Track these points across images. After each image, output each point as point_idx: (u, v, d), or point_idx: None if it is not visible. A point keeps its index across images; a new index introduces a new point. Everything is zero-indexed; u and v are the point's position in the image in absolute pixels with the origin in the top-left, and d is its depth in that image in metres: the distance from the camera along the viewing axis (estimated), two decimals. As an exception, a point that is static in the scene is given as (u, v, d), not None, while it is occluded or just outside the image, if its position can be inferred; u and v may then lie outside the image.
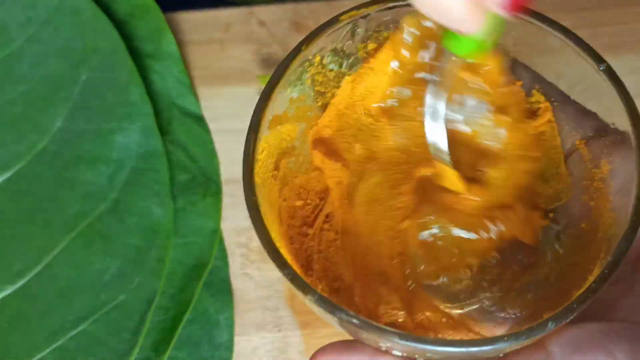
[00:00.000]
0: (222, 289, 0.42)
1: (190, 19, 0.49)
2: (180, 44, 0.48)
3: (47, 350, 0.39)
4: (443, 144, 0.32)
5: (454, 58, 0.31)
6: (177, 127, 0.45)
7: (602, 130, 0.31)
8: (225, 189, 0.44)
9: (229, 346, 0.41)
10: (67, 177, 0.42)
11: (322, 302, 0.27)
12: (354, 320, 0.27)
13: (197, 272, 0.41)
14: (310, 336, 0.40)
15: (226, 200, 0.44)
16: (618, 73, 0.47)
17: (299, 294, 0.28)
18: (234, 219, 0.44)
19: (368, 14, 0.33)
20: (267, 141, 0.32)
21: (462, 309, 0.32)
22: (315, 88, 0.35)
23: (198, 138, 0.45)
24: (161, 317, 0.40)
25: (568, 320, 0.27)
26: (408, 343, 0.26)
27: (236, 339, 0.41)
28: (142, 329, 0.39)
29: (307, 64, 0.33)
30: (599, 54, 0.31)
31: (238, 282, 0.42)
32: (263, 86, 0.46)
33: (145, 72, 0.46)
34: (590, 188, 0.32)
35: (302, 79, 0.33)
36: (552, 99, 0.34)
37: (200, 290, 0.41)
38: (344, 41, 0.34)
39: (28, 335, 0.39)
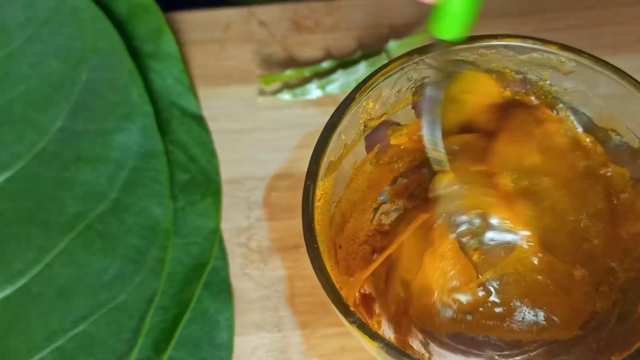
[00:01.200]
0: (222, 289, 0.42)
1: (190, 19, 0.49)
2: (180, 44, 0.48)
3: (47, 351, 0.39)
4: (440, 142, 0.32)
5: (443, 46, 0.30)
6: (177, 127, 0.45)
7: None
8: (225, 189, 0.44)
9: (229, 346, 0.41)
10: (67, 177, 0.42)
11: (390, 349, 0.28)
12: None
13: (197, 272, 0.41)
14: (310, 336, 0.40)
15: (226, 200, 0.44)
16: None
17: (364, 342, 0.29)
18: (234, 219, 0.44)
19: (420, 59, 0.33)
20: (324, 189, 0.33)
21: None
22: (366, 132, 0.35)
23: (198, 138, 0.45)
24: (161, 317, 0.40)
25: None
26: None
27: (236, 339, 0.41)
28: (142, 329, 0.39)
29: (360, 110, 0.33)
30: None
31: (238, 282, 0.42)
32: (263, 86, 0.47)
33: (145, 72, 0.46)
34: None
35: (356, 125, 0.34)
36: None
37: (200, 290, 0.41)
38: (398, 87, 0.34)
39: (28, 335, 0.39)
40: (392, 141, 0.36)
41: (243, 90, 0.47)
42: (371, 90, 0.33)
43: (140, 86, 0.44)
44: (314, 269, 0.30)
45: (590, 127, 0.35)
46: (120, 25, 0.46)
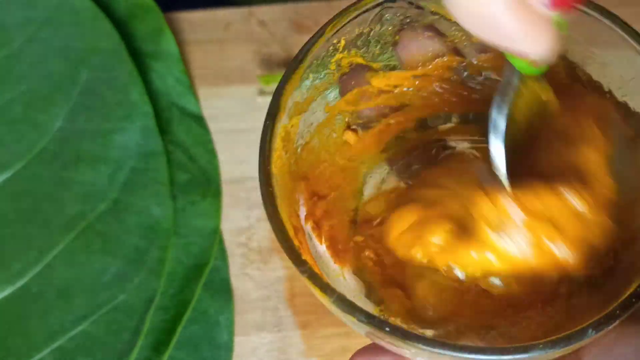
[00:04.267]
0: (222, 289, 0.42)
1: (190, 19, 0.49)
2: (180, 44, 0.48)
3: (47, 351, 0.39)
4: (501, 161, 0.29)
5: (518, 73, 0.28)
6: (177, 127, 0.45)
7: None
8: (225, 189, 0.44)
9: (229, 346, 0.41)
10: (67, 177, 0.42)
11: (341, 302, 0.26)
12: (376, 325, 0.25)
13: (197, 272, 0.41)
14: (310, 336, 0.40)
15: (226, 200, 0.44)
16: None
17: (315, 292, 0.27)
18: (234, 219, 0.44)
19: None
20: (286, 130, 0.30)
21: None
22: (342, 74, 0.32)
23: (198, 138, 0.45)
24: (161, 317, 0.40)
25: (610, 328, 0.24)
26: (435, 349, 0.24)
27: (236, 339, 0.41)
28: (142, 329, 0.39)
29: (331, 48, 0.31)
30: None
31: (238, 282, 0.42)
32: (263, 86, 0.47)
33: (145, 72, 0.46)
34: None
35: (327, 65, 0.31)
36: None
37: (200, 290, 0.41)
38: (372, 26, 0.31)
39: (28, 335, 0.39)
40: (374, 82, 0.33)
41: (243, 90, 0.47)
42: (343, 26, 0.30)
43: (140, 86, 0.44)
44: (267, 213, 0.27)
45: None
46: (121, 26, 0.46)
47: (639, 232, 0.29)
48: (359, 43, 0.31)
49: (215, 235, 0.42)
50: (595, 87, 0.31)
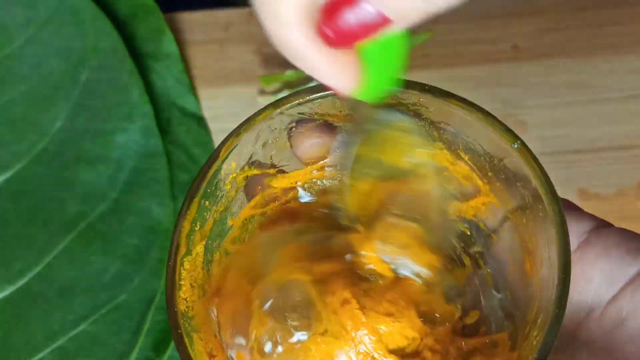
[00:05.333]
0: (222, 289, 0.42)
1: (190, 19, 0.49)
2: (180, 44, 0.48)
3: (47, 350, 0.39)
4: (346, 196, 0.30)
5: (361, 104, 0.27)
6: (177, 127, 0.45)
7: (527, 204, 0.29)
8: (225, 189, 0.44)
9: (229, 346, 0.41)
10: (67, 177, 0.42)
11: None
12: None
13: (197, 272, 0.41)
14: (310, 336, 0.40)
15: (226, 200, 0.44)
16: (618, 73, 0.47)
17: None
18: (234, 219, 0.44)
19: (282, 113, 0.31)
20: (191, 261, 0.30)
21: None
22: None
23: (198, 138, 0.45)
24: (161, 317, 0.40)
25: None
26: None
27: (236, 339, 0.41)
28: (142, 329, 0.39)
29: (223, 173, 0.31)
30: (513, 132, 0.28)
31: (238, 282, 0.42)
32: (263, 86, 0.47)
33: (145, 72, 0.46)
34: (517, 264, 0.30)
35: (221, 188, 0.32)
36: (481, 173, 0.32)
37: (200, 290, 0.41)
38: (260, 141, 0.32)
39: (28, 335, 0.39)
40: (275, 184, 0.34)
41: (243, 90, 0.47)
42: (230, 152, 0.31)
43: (141, 86, 0.44)
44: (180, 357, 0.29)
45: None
46: (121, 26, 0.46)
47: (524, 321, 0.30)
48: (251, 160, 0.32)
49: (215, 235, 0.42)
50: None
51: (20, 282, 0.40)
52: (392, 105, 0.30)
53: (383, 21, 0.22)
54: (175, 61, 0.47)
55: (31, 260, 0.40)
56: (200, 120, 0.46)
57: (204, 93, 0.47)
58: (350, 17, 0.22)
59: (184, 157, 0.44)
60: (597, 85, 0.46)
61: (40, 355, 0.38)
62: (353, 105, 0.29)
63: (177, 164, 0.44)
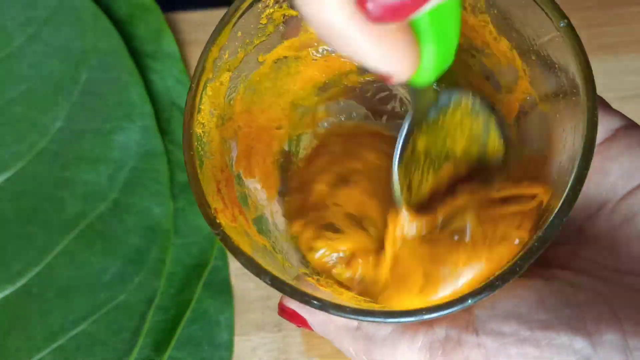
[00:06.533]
0: (222, 289, 0.42)
1: (190, 19, 0.49)
2: (180, 44, 0.48)
3: (47, 350, 0.39)
4: (396, 183, 0.30)
5: (417, 90, 0.26)
6: (177, 127, 0.45)
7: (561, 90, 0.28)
8: (225, 189, 0.44)
9: (229, 346, 0.41)
10: (67, 177, 0.42)
11: (250, 265, 0.27)
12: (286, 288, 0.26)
13: (197, 272, 0.41)
14: (310, 336, 0.40)
15: (226, 200, 0.44)
16: (618, 73, 0.47)
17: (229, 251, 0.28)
18: (234, 219, 0.44)
19: None
20: (214, 88, 0.30)
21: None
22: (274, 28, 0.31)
23: (198, 138, 0.45)
24: (161, 317, 0.40)
25: (488, 297, 0.26)
26: (329, 310, 0.26)
27: (236, 339, 0.41)
28: (142, 329, 0.39)
29: (260, 5, 0.30)
30: (561, 10, 0.27)
31: (238, 282, 0.42)
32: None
33: (145, 72, 0.46)
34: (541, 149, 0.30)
35: (257, 20, 0.30)
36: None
37: (200, 290, 0.41)
38: None
39: (28, 335, 0.39)
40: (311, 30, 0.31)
41: (243, 90, 0.47)
42: None
43: (141, 86, 0.44)
44: (188, 177, 0.28)
45: None
46: (121, 26, 0.46)
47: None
48: None
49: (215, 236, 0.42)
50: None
51: (20, 282, 0.40)
52: (452, 84, 0.29)
53: None
54: (175, 61, 0.47)
55: (31, 260, 0.40)
56: (200, 120, 0.46)
57: (204, 93, 0.47)
58: None
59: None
60: (597, 85, 0.46)
61: (40, 355, 0.38)
62: (411, 91, 0.28)
63: (177, 164, 0.44)
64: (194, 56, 0.48)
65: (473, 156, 0.31)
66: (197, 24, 0.49)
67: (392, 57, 0.20)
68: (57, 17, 0.45)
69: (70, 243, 0.41)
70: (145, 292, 0.40)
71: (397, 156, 0.30)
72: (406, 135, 0.29)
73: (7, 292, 0.40)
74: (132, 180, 0.42)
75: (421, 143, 0.30)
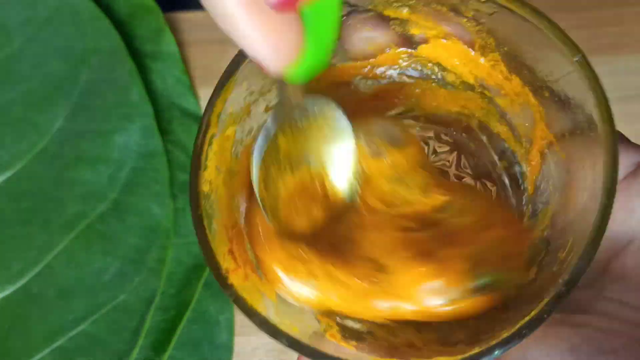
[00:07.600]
0: (222, 289, 0.42)
1: (190, 19, 0.49)
2: (180, 44, 0.48)
3: (47, 351, 0.39)
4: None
5: (288, 85, 0.26)
6: (177, 127, 0.45)
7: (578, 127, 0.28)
8: (225, 189, 0.44)
9: (229, 346, 0.41)
10: (67, 177, 0.42)
11: (265, 326, 0.26)
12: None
13: (197, 272, 0.41)
14: (310, 336, 0.40)
15: (226, 200, 0.44)
16: (618, 73, 0.47)
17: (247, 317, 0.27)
18: (234, 219, 0.43)
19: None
20: (221, 143, 0.29)
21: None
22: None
23: (198, 138, 0.45)
24: (161, 317, 0.40)
25: (516, 346, 0.25)
26: None
27: (236, 339, 0.41)
28: (142, 329, 0.39)
29: None
30: (574, 43, 0.27)
31: (238, 282, 0.42)
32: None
33: (145, 72, 0.46)
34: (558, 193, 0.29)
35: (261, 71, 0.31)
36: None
37: (200, 290, 0.41)
38: None
39: (28, 335, 0.39)
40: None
41: (243, 90, 0.47)
42: None
43: (141, 86, 0.44)
44: (197, 237, 0.27)
45: None
46: (121, 26, 0.46)
47: (557, 249, 0.29)
48: None
49: (215, 235, 0.42)
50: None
51: (20, 283, 0.40)
52: (328, 89, 0.28)
53: None
54: (175, 61, 0.47)
55: (31, 260, 0.40)
56: (200, 121, 0.46)
57: (204, 93, 0.47)
58: None
59: (184, 157, 0.44)
60: (597, 85, 0.46)
61: (40, 355, 0.38)
62: (281, 86, 0.27)
63: (177, 164, 0.44)
64: (194, 56, 0.48)
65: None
66: (197, 24, 0.49)
67: (273, 46, 0.20)
68: (57, 17, 0.45)
69: (70, 243, 0.41)
70: (145, 292, 0.40)
71: (257, 148, 0.29)
72: (267, 130, 0.28)
73: (7, 292, 0.40)
74: (132, 180, 0.42)
75: (282, 141, 0.29)
